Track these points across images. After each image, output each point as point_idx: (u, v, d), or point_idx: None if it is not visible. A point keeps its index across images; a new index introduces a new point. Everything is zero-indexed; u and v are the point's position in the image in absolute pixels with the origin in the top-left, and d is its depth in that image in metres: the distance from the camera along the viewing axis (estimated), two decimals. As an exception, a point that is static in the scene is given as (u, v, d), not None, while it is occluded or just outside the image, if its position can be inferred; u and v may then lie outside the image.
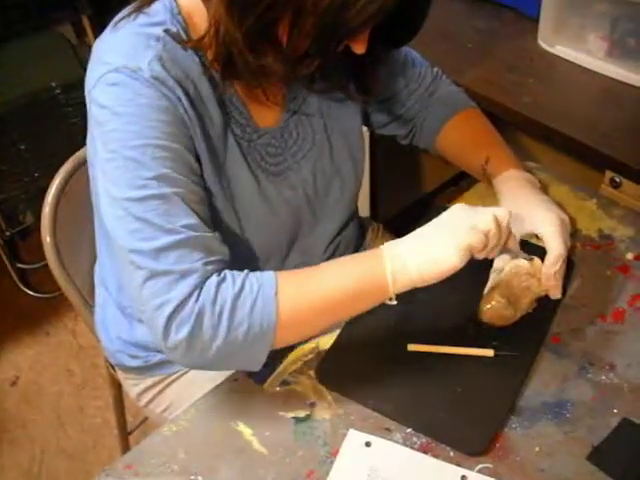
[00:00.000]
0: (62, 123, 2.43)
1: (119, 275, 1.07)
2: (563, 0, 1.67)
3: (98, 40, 1.03)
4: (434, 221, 0.99)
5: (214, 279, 0.92)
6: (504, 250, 1.02)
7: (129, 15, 1.00)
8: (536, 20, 1.78)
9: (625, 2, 1.55)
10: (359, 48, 0.97)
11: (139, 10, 1.00)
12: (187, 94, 0.99)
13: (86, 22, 2.63)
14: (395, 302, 0.98)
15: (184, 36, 1.00)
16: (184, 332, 0.90)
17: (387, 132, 1.42)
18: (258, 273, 0.95)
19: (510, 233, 1.02)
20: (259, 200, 1.12)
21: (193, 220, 0.94)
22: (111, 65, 0.96)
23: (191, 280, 0.91)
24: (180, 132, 0.97)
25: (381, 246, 0.98)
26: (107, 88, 0.96)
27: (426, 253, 0.95)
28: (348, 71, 1.12)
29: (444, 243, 0.95)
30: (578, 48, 1.71)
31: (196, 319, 0.89)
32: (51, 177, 1.29)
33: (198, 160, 1.02)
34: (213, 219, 1.08)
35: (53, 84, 2.46)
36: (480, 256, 0.98)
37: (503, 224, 0.98)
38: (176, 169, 0.95)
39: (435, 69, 1.38)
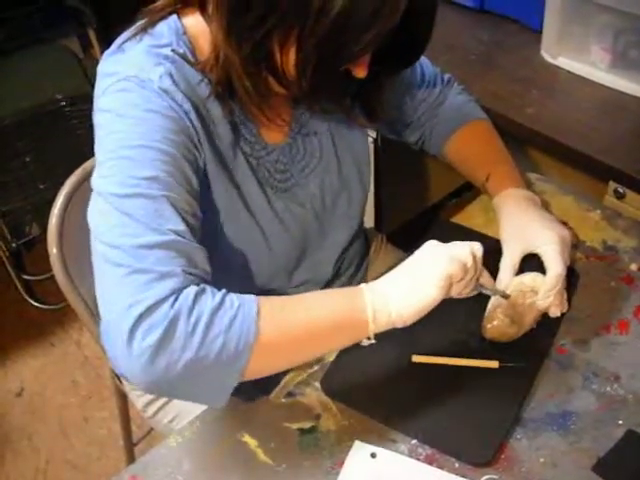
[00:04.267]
0: (68, 135, 2.45)
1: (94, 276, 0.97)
2: (566, 12, 1.67)
3: (104, 59, 1.02)
4: (410, 259, 0.97)
5: (193, 288, 0.85)
6: (477, 287, 1.02)
7: (134, 36, 1.00)
8: (539, 32, 1.79)
9: (628, 14, 1.55)
10: (360, 72, 0.97)
11: (144, 31, 1.00)
12: (196, 110, 0.99)
13: (92, 35, 2.65)
14: (373, 341, 0.95)
15: (191, 57, 1.00)
16: (152, 339, 0.80)
17: (396, 139, 1.42)
18: (238, 294, 0.89)
19: (482, 270, 1.02)
20: (270, 216, 1.12)
21: (181, 227, 0.89)
22: (120, 74, 0.95)
23: (169, 283, 0.84)
24: (183, 144, 0.96)
25: (362, 284, 0.95)
26: (115, 95, 0.95)
27: (406, 289, 0.93)
28: (352, 95, 1.11)
29: (424, 275, 0.94)
30: (581, 59, 1.71)
31: (169, 325, 0.81)
32: (56, 189, 1.30)
33: (205, 176, 1.02)
34: (220, 234, 1.08)
35: (59, 96, 2.48)
36: (455, 291, 0.97)
37: (478, 256, 0.98)
38: (173, 174, 0.92)
39: (446, 76, 1.38)
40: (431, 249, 0.97)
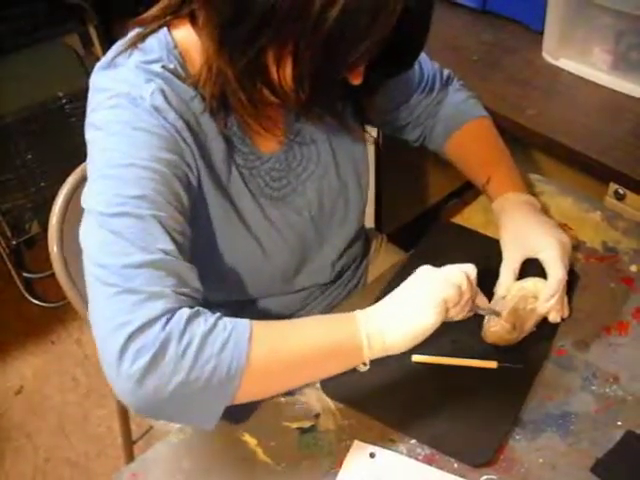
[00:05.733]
0: (68, 133, 2.45)
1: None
2: (568, 13, 1.67)
3: (95, 72, 1.01)
4: (404, 285, 0.97)
5: (186, 311, 0.84)
6: (473, 308, 1.02)
7: (124, 51, 0.98)
8: (541, 33, 1.79)
9: (630, 15, 1.55)
10: (355, 80, 0.96)
11: (134, 46, 0.99)
12: (189, 127, 0.98)
13: (93, 32, 2.65)
14: (367, 367, 0.95)
15: (182, 72, 0.99)
16: (141, 362, 0.80)
17: (396, 136, 1.42)
18: (231, 318, 0.88)
19: (478, 291, 1.02)
20: (265, 227, 1.12)
21: (170, 246, 0.88)
22: (112, 91, 0.94)
23: (160, 304, 0.83)
24: (174, 162, 0.94)
25: (357, 310, 0.95)
26: (106, 111, 0.94)
27: (401, 316, 0.93)
28: (343, 98, 1.11)
29: (419, 301, 0.93)
30: (583, 61, 1.71)
31: (159, 348, 0.80)
32: (57, 187, 1.30)
33: (200, 192, 1.02)
34: (216, 247, 1.08)
35: (60, 94, 2.48)
36: (451, 315, 0.97)
37: (472, 278, 0.98)
38: (161, 193, 0.90)
39: (446, 72, 1.37)
40: (425, 274, 0.97)
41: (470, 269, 0.98)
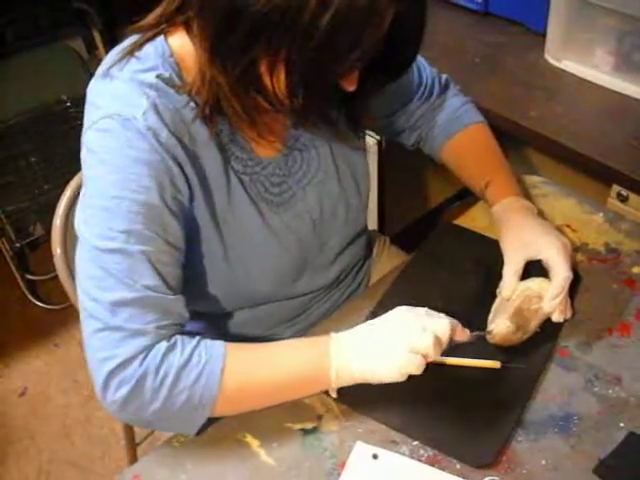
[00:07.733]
0: (72, 136, 2.44)
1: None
2: (570, 15, 1.68)
3: (94, 80, 1.01)
4: (381, 325, 1.02)
5: (163, 344, 0.93)
6: (453, 342, 1.03)
7: (120, 60, 0.99)
8: (543, 35, 1.79)
9: (632, 17, 1.55)
10: (349, 86, 0.96)
11: (131, 54, 0.99)
12: (182, 143, 0.98)
13: (97, 36, 2.66)
14: (335, 396, 1.02)
15: (177, 80, 0.99)
16: (122, 392, 0.91)
17: (393, 140, 1.43)
18: (209, 342, 0.97)
19: (456, 326, 1.03)
20: (265, 234, 1.12)
21: (155, 281, 0.94)
22: (105, 111, 0.95)
23: (140, 341, 0.92)
24: (164, 189, 0.96)
25: (331, 338, 1.01)
26: (98, 134, 0.95)
27: (369, 363, 0.99)
28: (339, 106, 1.11)
29: (386, 361, 0.98)
30: (585, 63, 1.72)
31: (137, 381, 0.91)
32: (61, 189, 1.30)
33: (193, 205, 1.02)
34: (213, 263, 1.08)
35: (64, 97, 2.49)
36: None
37: (444, 340, 1.00)
38: (149, 226, 0.94)
39: (444, 77, 1.37)
40: (398, 327, 1.00)
41: (442, 331, 1.00)
